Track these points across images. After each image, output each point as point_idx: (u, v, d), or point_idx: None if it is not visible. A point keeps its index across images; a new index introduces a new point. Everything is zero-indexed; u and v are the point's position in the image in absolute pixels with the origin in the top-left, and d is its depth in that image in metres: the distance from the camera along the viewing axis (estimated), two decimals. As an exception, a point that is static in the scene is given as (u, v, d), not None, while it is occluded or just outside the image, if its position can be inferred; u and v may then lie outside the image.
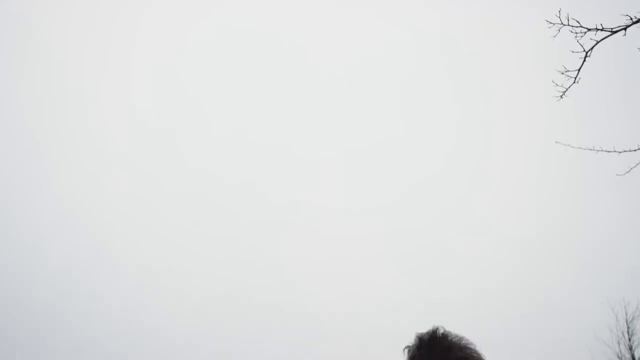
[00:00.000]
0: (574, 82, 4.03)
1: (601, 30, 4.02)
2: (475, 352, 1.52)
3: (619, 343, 17.69)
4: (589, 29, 4.02)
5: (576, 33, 4.07)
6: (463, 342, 1.54)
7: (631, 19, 3.92)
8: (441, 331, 1.57)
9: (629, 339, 17.61)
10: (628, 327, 17.64)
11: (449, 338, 1.55)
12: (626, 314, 17.72)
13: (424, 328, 1.64)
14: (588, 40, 4.10)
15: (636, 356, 17.39)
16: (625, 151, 3.66)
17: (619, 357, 17.66)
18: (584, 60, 4.01)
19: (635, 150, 3.59)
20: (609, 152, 3.68)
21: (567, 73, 4.09)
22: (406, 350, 1.62)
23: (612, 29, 4.03)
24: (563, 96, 4.13)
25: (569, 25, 4.10)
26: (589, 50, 4.07)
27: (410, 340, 1.61)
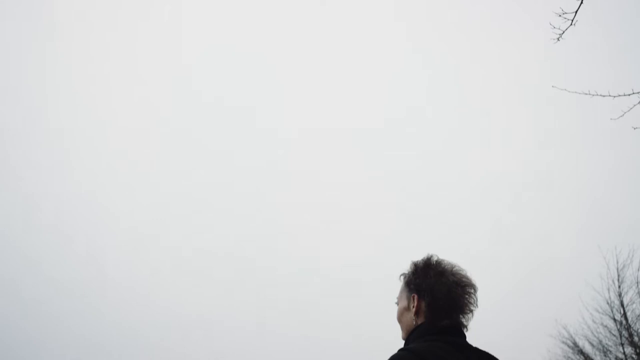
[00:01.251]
0: (571, 24, 4.01)
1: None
2: (466, 276, 1.63)
3: (608, 290, 18.06)
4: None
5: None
6: (455, 268, 1.65)
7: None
8: (435, 258, 1.67)
9: (619, 286, 17.97)
10: (619, 275, 17.97)
11: (442, 264, 1.65)
12: (617, 262, 18.01)
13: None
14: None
15: (625, 302, 17.81)
16: (619, 95, 3.70)
17: (608, 303, 18.07)
18: (582, 2, 3.97)
19: (629, 95, 3.63)
20: (603, 96, 3.72)
21: (565, 15, 4.07)
22: (402, 277, 1.73)
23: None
24: (560, 39, 4.12)
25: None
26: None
27: (407, 268, 1.72)
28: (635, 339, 17.39)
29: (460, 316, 1.61)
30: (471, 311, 1.62)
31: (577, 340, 19.11)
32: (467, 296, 1.62)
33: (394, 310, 1.79)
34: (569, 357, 19.46)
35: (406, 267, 1.73)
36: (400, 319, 1.70)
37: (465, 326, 1.61)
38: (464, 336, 1.59)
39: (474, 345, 1.59)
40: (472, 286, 1.63)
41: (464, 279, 1.63)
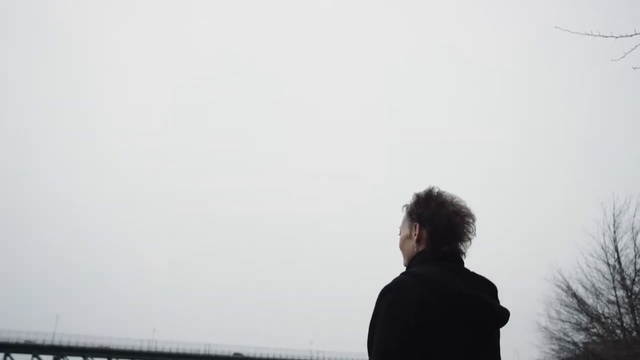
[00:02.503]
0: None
1: None
2: (465, 207, 1.71)
3: (604, 235, 18.37)
4: None
5: None
6: (455, 199, 1.73)
7: None
8: (436, 190, 1.75)
9: (614, 232, 18.28)
10: (614, 221, 18.24)
11: (443, 195, 1.73)
12: (614, 208, 18.25)
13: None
14: None
15: (619, 247, 18.15)
16: (622, 36, 3.68)
17: (603, 248, 18.41)
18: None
19: (631, 36, 3.62)
20: (606, 37, 3.70)
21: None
22: (404, 208, 1.81)
23: None
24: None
25: None
26: None
27: (409, 200, 1.80)
28: (628, 282, 17.83)
29: (459, 244, 1.70)
30: (469, 239, 1.71)
31: (570, 283, 19.65)
32: (466, 225, 1.70)
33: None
34: (562, 299, 20.05)
35: (408, 199, 1.81)
36: (402, 246, 1.79)
37: (464, 253, 1.71)
38: (462, 262, 1.68)
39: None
40: (471, 216, 1.72)
41: (463, 209, 1.71)
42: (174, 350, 61.84)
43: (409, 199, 1.80)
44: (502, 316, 1.60)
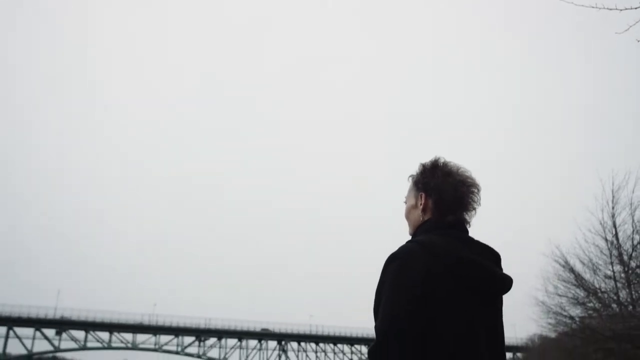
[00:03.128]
0: None
1: None
2: (470, 177, 1.74)
3: (602, 211, 18.45)
4: None
5: None
6: (461, 169, 1.75)
7: None
8: (442, 160, 1.77)
9: (612, 208, 18.34)
10: (613, 197, 18.29)
11: (449, 165, 1.75)
12: (613, 184, 18.29)
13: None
14: None
15: (617, 223, 18.25)
16: (626, 9, 3.65)
17: (601, 223, 18.51)
18: None
19: (636, 8, 3.58)
20: (610, 9, 3.67)
21: None
22: (410, 178, 1.84)
23: None
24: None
25: None
26: None
27: (415, 170, 1.83)
28: (625, 257, 17.98)
29: (464, 213, 1.72)
30: (474, 209, 1.74)
31: (568, 259, 19.81)
32: (471, 195, 1.73)
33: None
34: (559, 274, 20.24)
35: (414, 169, 1.83)
36: (408, 216, 1.82)
37: (469, 222, 1.74)
38: (467, 231, 1.71)
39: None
40: (476, 186, 1.74)
41: (468, 179, 1.73)
42: (174, 324, 62.52)
43: (414, 170, 1.82)
44: (506, 283, 1.63)
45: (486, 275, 1.59)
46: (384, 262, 1.59)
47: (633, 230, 17.61)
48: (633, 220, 17.59)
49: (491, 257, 1.67)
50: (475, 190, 1.73)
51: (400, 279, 1.51)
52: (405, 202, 1.84)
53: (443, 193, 1.71)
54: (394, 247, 1.61)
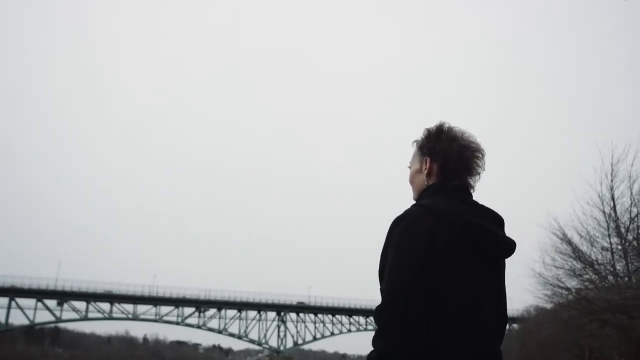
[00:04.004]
0: None
1: None
2: (475, 142, 1.74)
3: (601, 183, 18.47)
4: None
5: None
6: (465, 134, 1.75)
7: None
8: (447, 125, 1.77)
9: (611, 180, 18.35)
10: (612, 169, 18.28)
11: (454, 130, 1.75)
12: (612, 156, 18.26)
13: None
14: None
15: (615, 195, 18.29)
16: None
17: (599, 196, 18.55)
18: None
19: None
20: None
21: None
22: (415, 143, 1.83)
23: None
24: None
25: None
26: None
27: (419, 135, 1.82)
28: (622, 230, 18.08)
29: (469, 178, 1.73)
30: (479, 174, 1.74)
31: (566, 231, 19.91)
32: (476, 159, 1.73)
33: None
34: (557, 247, 20.37)
35: (419, 134, 1.83)
36: (412, 180, 1.82)
37: (473, 187, 1.74)
38: (471, 195, 1.72)
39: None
40: (481, 150, 1.74)
41: (473, 144, 1.73)
42: (174, 295, 63.20)
43: (419, 135, 1.82)
44: (510, 246, 1.64)
45: (491, 238, 1.60)
46: (389, 225, 1.60)
47: (631, 203, 17.68)
48: (631, 193, 17.65)
49: (495, 221, 1.68)
50: (480, 155, 1.74)
51: (405, 241, 1.52)
52: (410, 167, 1.84)
53: (448, 157, 1.71)
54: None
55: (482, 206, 1.69)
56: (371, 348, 1.48)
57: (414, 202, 1.78)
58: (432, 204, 1.59)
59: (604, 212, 18.44)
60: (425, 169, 1.75)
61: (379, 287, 1.58)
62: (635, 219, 17.62)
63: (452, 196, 1.65)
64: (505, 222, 1.72)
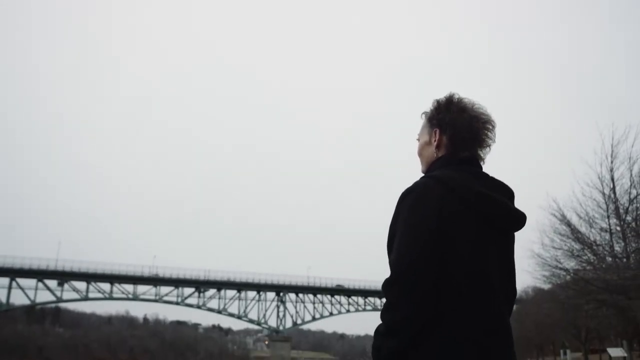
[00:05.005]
0: None
1: None
2: (486, 113, 1.70)
3: (601, 165, 18.46)
4: None
5: None
6: (475, 106, 1.71)
7: None
8: (456, 96, 1.72)
9: (611, 162, 18.35)
10: (612, 151, 18.27)
11: (464, 101, 1.71)
12: (612, 138, 18.23)
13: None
14: None
15: (615, 177, 18.29)
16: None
17: (599, 177, 18.56)
18: None
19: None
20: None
21: None
22: (423, 115, 1.79)
23: None
24: None
25: None
26: None
27: (428, 107, 1.78)
28: (621, 211, 18.12)
29: (479, 149, 1.69)
30: (489, 146, 1.71)
31: (565, 212, 19.96)
32: (486, 131, 1.69)
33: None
34: (556, 228, 20.43)
35: (428, 106, 1.79)
36: (421, 153, 1.79)
37: (483, 159, 1.71)
38: (481, 167, 1.69)
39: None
40: (491, 122, 1.71)
41: (483, 115, 1.70)
42: (174, 276, 63.54)
43: (428, 106, 1.78)
44: (521, 219, 1.62)
45: (501, 210, 1.57)
46: (398, 197, 1.57)
47: (630, 185, 17.68)
48: (631, 175, 17.65)
49: (506, 193, 1.65)
50: (491, 127, 1.70)
51: (415, 213, 1.49)
52: (419, 140, 1.81)
53: (458, 129, 1.67)
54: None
55: (492, 178, 1.66)
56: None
57: (422, 174, 1.74)
58: (442, 175, 1.56)
59: (603, 194, 18.46)
60: (435, 140, 1.71)
61: (387, 260, 1.55)
62: (635, 201, 17.64)
63: (462, 168, 1.62)
64: (515, 194, 1.69)
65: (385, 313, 1.47)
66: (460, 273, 1.47)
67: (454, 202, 1.51)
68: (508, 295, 1.60)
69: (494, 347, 1.45)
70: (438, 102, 1.74)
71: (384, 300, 1.50)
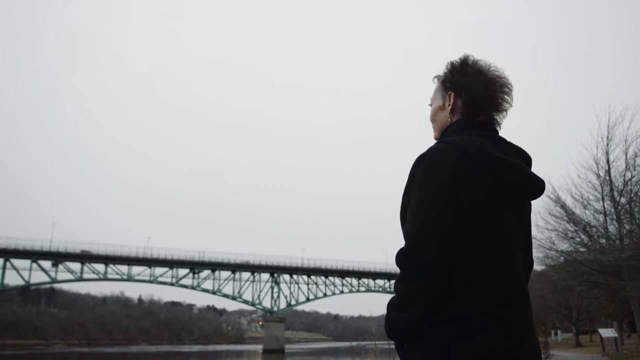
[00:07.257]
0: None
1: None
2: (502, 76, 1.62)
3: (597, 147, 18.44)
4: None
5: None
6: (492, 68, 1.63)
7: None
8: (472, 58, 1.64)
9: (607, 144, 18.33)
10: (608, 133, 18.24)
11: (479, 63, 1.63)
12: (609, 120, 18.19)
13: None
14: None
15: (610, 159, 18.29)
16: None
17: (594, 159, 18.56)
18: None
19: None
20: None
21: None
22: (436, 78, 1.71)
23: None
24: None
25: None
26: None
27: (440, 71, 1.70)
28: (615, 194, 18.16)
29: (495, 114, 1.62)
30: (505, 110, 1.63)
31: (560, 194, 19.98)
32: (503, 94, 1.62)
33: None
34: (550, 209, 20.47)
35: (441, 69, 1.70)
36: (434, 118, 1.71)
37: (499, 123, 1.63)
38: (498, 132, 1.62)
39: None
40: (508, 85, 1.63)
41: (501, 78, 1.62)
42: (169, 257, 63.64)
43: (441, 69, 1.70)
44: (539, 186, 1.55)
45: (520, 176, 1.50)
46: (412, 163, 1.50)
47: (625, 167, 17.69)
48: (626, 157, 17.64)
49: (523, 159, 1.58)
50: (507, 90, 1.62)
51: (430, 179, 1.42)
52: (431, 104, 1.73)
53: (473, 92, 1.59)
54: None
55: (510, 143, 1.59)
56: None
57: (435, 141, 1.66)
58: (458, 140, 1.49)
59: (598, 176, 18.47)
60: (449, 104, 1.63)
61: (400, 229, 1.48)
62: (629, 183, 17.67)
63: (478, 132, 1.55)
64: (532, 160, 1.62)
65: (399, 285, 1.40)
66: (478, 239, 1.40)
67: (469, 166, 1.44)
68: (524, 266, 1.53)
69: (512, 318, 1.39)
70: (452, 64, 1.66)
71: (392, 280, 1.44)
